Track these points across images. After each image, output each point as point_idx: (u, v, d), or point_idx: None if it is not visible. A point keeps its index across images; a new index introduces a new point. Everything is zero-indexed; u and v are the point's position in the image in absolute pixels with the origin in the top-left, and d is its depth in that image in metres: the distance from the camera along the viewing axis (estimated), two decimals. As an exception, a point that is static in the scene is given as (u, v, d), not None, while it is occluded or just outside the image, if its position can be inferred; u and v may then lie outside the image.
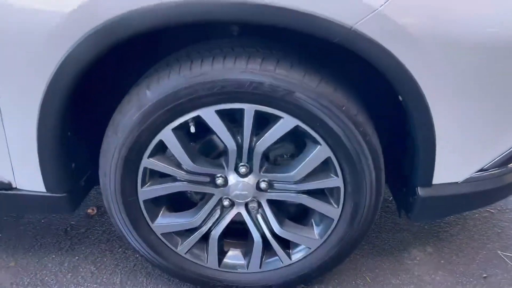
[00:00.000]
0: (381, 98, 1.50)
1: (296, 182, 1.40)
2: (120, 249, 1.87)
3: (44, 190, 1.42)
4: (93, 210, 2.13)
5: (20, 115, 1.29)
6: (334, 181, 1.38)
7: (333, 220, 1.45)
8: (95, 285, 1.70)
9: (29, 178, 1.41)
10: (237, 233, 1.66)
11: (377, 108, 1.45)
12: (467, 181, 1.41)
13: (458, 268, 1.76)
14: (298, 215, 1.62)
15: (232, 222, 1.56)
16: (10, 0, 1.14)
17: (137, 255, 1.83)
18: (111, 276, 1.74)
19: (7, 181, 1.42)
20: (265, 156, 1.46)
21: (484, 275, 1.72)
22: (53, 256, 1.84)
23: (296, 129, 1.30)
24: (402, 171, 1.55)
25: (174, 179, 1.42)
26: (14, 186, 1.43)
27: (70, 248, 1.88)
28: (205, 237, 1.55)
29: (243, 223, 1.54)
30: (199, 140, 1.50)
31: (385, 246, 1.88)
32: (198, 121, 1.31)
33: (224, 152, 1.41)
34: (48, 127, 1.29)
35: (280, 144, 1.46)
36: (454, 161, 1.37)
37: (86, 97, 1.39)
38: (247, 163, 1.39)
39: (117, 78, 1.42)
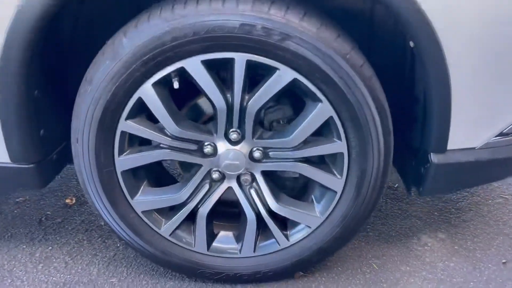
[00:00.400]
0: (385, 61, 1.36)
1: (294, 149, 1.24)
2: (99, 239, 1.69)
3: (8, 160, 1.25)
4: (71, 200, 1.94)
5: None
6: (337, 145, 1.22)
7: (335, 193, 1.29)
8: (68, 276, 1.51)
9: (-9, 147, 1.24)
10: (228, 216, 1.50)
11: (381, 76, 1.30)
12: (485, 146, 1.26)
13: (475, 254, 1.59)
14: (296, 193, 1.45)
15: (223, 204, 1.40)
16: None
17: (118, 245, 1.65)
18: (87, 267, 1.55)
19: (-35, 151, 1.25)
20: (259, 121, 1.30)
21: (504, 261, 1.55)
22: (24, 246, 1.66)
23: (293, 84, 1.15)
24: (410, 144, 1.40)
25: (156, 146, 1.26)
26: (-26, 156, 1.26)
27: (43, 239, 1.70)
28: (192, 217, 1.37)
29: (235, 204, 1.37)
30: (183, 105, 1.35)
31: (392, 232, 1.71)
32: (183, 77, 1.16)
33: (213, 116, 1.25)
34: (10, 84, 1.13)
35: (275, 108, 1.31)
36: (471, 124, 1.22)
37: (59, 51, 1.23)
38: (238, 128, 1.23)
39: (97, 31, 1.26)
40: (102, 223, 1.78)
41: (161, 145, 1.25)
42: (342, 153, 1.23)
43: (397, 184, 2.03)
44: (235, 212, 1.49)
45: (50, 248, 1.65)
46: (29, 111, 1.19)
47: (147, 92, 1.15)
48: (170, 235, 1.37)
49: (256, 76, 1.20)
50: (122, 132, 1.21)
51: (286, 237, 1.37)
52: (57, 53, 1.25)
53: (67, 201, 1.94)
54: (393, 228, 1.74)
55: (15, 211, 1.87)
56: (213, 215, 1.42)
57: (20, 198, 1.95)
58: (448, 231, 1.72)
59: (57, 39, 1.19)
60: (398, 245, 1.65)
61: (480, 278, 1.48)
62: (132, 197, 1.31)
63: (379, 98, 1.16)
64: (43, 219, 1.82)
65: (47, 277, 1.50)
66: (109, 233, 1.72)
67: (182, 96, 1.37)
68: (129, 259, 1.58)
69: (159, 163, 1.54)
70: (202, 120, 1.35)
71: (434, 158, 1.25)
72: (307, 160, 1.28)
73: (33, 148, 1.25)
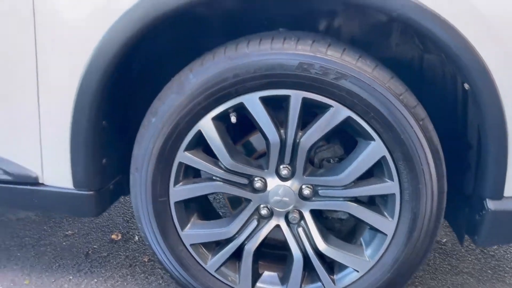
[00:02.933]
0: (437, 107, 1.38)
1: (344, 187, 1.25)
2: (142, 275, 1.70)
3: (71, 186, 1.33)
4: (117, 235, 1.99)
5: (57, 99, 1.24)
6: (389, 186, 1.22)
7: (386, 236, 1.26)
8: (111, 308, 1.52)
9: (58, 172, 1.32)
10: (274, 258, 1.48)
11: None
12: (545, 195, 1.22)
13: (536, 316, 1.47)
14: (344, 235, 1.43)
15: (269, 246, 1.40)
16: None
17: (160, 281, 1.65)
18: (130, 300, 1.56)
19: (34, 175, 1.34)
20: (310, 159, 1.33)
21: None
22: (71, 277, 1.69)
23: (347, 122, 1.18)
24: (463, 191, 1.37)
25: (209, 178, 1.30)
26: (40, 181, 1.35)
27: (89, 271, 1.73)
28: (238, 254, 1.37)
29: (281, 246, 1.37)
30: (236, 142, 1.40)
31: (443, 288, 1.63)
32: (240, 112, 1.22)
33: (265, 152, 1.30)
34: (83, 113, 1.23)
35: (326, 146, 1.33)
36: (529, 170, 1.20)
37: (127, 87, 1.34)
38: (289, 164, 1.26)
39: (161, 70, 1.37)
40: (146, 260, 1.80)
41: (214, 177, 1.29)
42: (393, 194, 1.22)
43: (445, 239, 1.95)
44: (281, 254, 1.47)
45: (95, 280, 1.67)
46: (96, 140, 1.28)
47: (207, 125, 1.21)
48: (215, 271, 1.36)
49: (309, 111, 1.24)
50: (180, 163, 1.26)
51: (333, 281, 1.34)
52: (126, 88, 1.36)
53: (113, 236, 1.98)
54: (443, 284, 1.65)
55: (64, 243, 1.93)
56: (258, 254, 1.42)
57: (69, 231, 2.02)
58: (505, 290, 1.62)
59: (127, 74, 1.30)
60: (451, 301, 1.56)
61: None
62: (182, 229, 1.33)
63: (432, 139, 1.17)
64: (89, 252, 1.86)
65: (91, 308, 1.52)
66: (152, 269, 1.73)
67: (236, 132, 1.43)
68: (171, 295, 1.58)
69: (206, 198, 1.58)
70: (253, 156, 1.39)
71: (490, 204, 1.21)
72: (357, 200, 1.28)
73: (95, 176, 1.32)
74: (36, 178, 1.34)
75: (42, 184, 1.35)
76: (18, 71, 1.25)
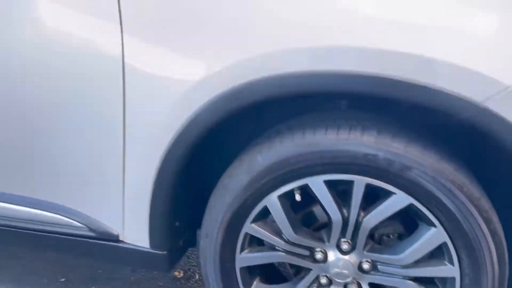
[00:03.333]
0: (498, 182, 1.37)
1: (404, 267, 1.28)
2: (204, 318, 1.82)
3: (147, 246, 1.46)
4: (179, 272, 2.13)
5: (141, 167, 1.37)
6: (450, 270, 1.24)
7: (445, 316, 1.29)
8: None
9: (136, 233, 1.46)
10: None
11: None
12: None
13: None
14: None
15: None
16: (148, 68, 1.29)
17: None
18: None
19: (116, 233, 1.49)
20: (370, 233, 1.38)
21: None
22: (140, 316, 1.85)
23: (408, 208, 1.22)
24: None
25: (272, 248, 1.39)
26: (121, 239, 1.50)
27: (156, 310, 1.88)
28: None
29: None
30: (299, 210, 1.48)
31: None
32: (304, 190, 1.30)
33: (326, 225, 1.36)
34: (164, 182, 1.35)
35: (387, 223, 1.37)
36: None
37: (198, 160, 1.46)
38: (350, 239, 1.32)
39: (228, 143, 1.48)
40: (207, 302, 1.92)
41: (277, 247, 1.37)
42: (454, 278, 1.25)
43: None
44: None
45: (161, 320, 1.82)
46: (172, 206, 1.40)
47: (272, 201, 1.30)
48: (275, 334, 1.45)
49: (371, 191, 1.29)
50: (246, 233, 1.36)
51: None
52: (198, 160, 1.47)
53: (176, 273, 2.13)
54: None
55: (132, 278, 2.09)
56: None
57: (137, 266, 2.18)
58: None
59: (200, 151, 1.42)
60: None
61: None
62: (246, 292, 1.43)
63: (496, 230, 1.19)
64: (155, 290, 2.01)
65: None
66: (213, 313, 1.85)
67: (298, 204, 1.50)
68: None
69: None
70: (314, 226, 1.46)
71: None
72: (416, 278, 1.31)
73: (168, 237, 1.45)
74: (117, 236, 1.49)
75: (122, 242, 1.49)
76: (106, 143, 1.40)
